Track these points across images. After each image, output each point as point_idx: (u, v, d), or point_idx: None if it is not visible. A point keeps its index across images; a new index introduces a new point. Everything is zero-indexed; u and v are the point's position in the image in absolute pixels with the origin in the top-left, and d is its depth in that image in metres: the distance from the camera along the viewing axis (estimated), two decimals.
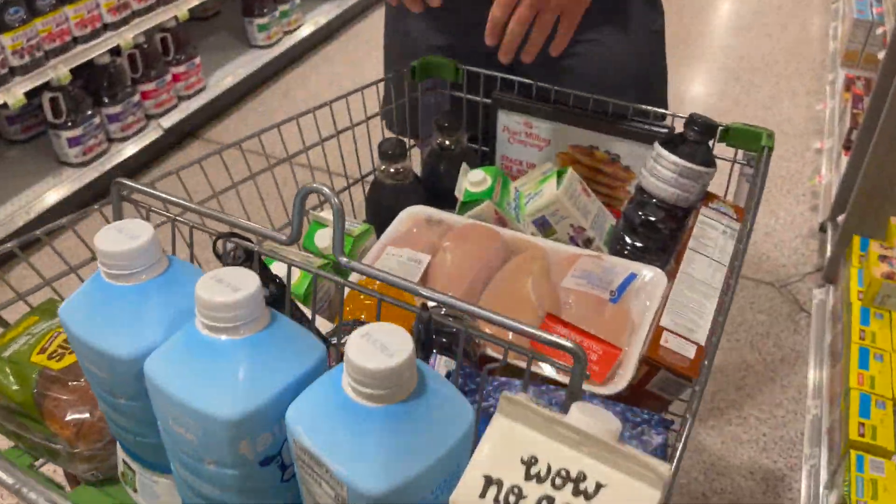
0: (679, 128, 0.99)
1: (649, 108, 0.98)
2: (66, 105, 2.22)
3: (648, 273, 0.88)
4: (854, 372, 1.39)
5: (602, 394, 0.77)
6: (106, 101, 2.37)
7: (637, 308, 0.85)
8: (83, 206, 2.59)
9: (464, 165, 1.02)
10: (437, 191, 1.07)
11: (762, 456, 1.61)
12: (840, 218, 1.83)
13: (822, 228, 2.07)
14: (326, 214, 0.97)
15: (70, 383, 0.57)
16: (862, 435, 1.27)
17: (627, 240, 0.97)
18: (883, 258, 1.55)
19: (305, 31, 3.28)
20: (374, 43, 3.57)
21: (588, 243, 1.00)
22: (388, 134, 1.14)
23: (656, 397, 0.83)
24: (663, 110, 0.97)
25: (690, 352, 0.78)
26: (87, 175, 2.35)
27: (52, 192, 2.26)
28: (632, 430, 0.62)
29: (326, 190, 0.55)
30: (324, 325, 0.87)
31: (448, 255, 0.91)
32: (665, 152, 0.91)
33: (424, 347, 0.60)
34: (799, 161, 2.61)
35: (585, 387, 0.78)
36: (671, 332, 0.80)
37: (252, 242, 0.62)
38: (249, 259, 0.63)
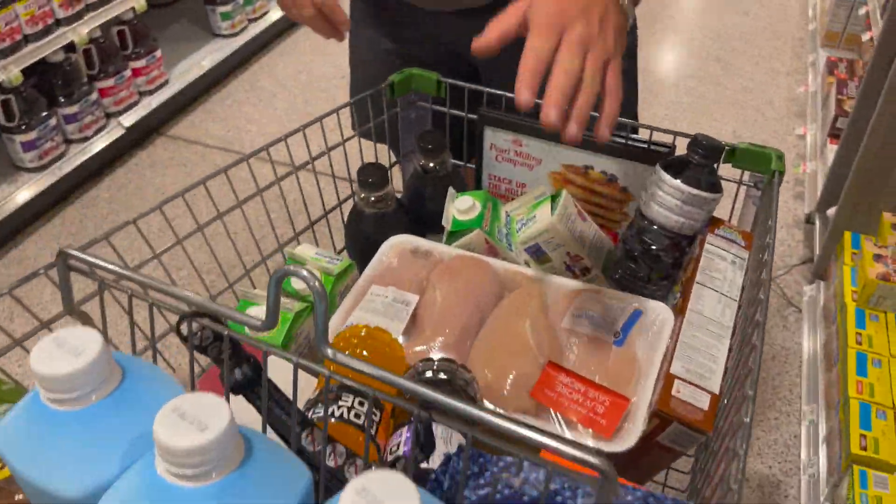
0: (678, 144, 0.93)
1: (648, 126, 0.91)
2: (19, 107, 2.10)
3: (654, 310, 0.82)
4: (852, 379, 1.35)
5: (611, 451, 0.71)
6: (62, 101, 2.24)
7: (643, 349, 0.79)
8: (41, 213, 2.48)
9: (450, 191, 0.95)
10: (422, 215, 1.00)
11: (756, 461, 1.58)
12: (830, 211, 1.79)
13: (809, 220, 2.03)
14: (303, 251, 0.89)
15: (16, 497, 0.50)
16: (864, 448, 1.24)
17: (628, 268, 0.91)
18: (878, 258, 1.51)
19: (271, 17, 3.15)
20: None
21: (585, 272, 0.93)
22: (366, 150, 1.06)
23: (667, 449, 0.77)
24: (665, 129, 0.90)
25: (704, 402, 0.73)
26: (46, 180, 2.23)
27: (9, 200, 2.14)
28: None
29: (304, 273, 0.47)
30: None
31: (438, 294, 0.84)
32: (668, 177, 0.84)
33: (424, 449, 0.54)
34: (781, 146, 2.57)
35: (592, 443, 0.72)
36: (683, 380, 0.74)
37: (221, 323, 0.55)
38: (219, 340, 0.55)
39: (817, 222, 1.94)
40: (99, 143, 2.38)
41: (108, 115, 2.45)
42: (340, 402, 0.66)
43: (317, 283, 0.47)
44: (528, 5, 0.68)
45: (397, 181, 1.07)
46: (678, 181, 0.84)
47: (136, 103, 2.52)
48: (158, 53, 2.57)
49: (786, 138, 2.61)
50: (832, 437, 1.37)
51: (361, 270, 0.95)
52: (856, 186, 1.64)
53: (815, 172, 2.15)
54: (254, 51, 3.14)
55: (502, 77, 0.93)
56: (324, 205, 1.02)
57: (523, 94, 0.63)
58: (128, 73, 2.45)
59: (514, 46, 0.86)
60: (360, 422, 0.65)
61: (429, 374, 0.72)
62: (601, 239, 0.96)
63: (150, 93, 2.59)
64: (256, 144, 2.63)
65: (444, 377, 0.72)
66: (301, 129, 0.93)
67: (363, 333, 0.75)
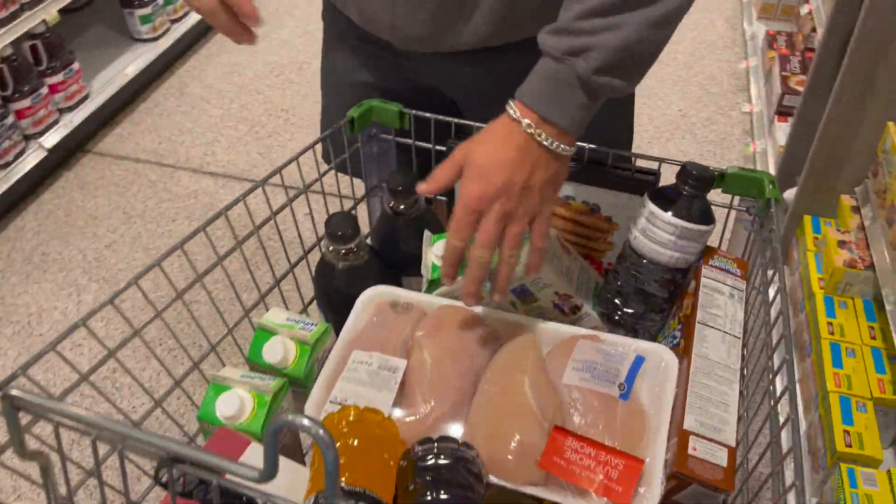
0: (662, 168, 0.88)
1: (630, 153, 0.86)
2: None
3: (656, 354, 0.77)
4: (829, 372, 1.35)
5: None
6: None
7: (650, 400, 0.75)
8: None
9: (426, 235, 0.88)
10: (394, 259, 0.93)
11: None
12: (787, 194, 1.79)
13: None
14: (272, 317, 0.81)
15: None
16: (849, 445, 1.24)
17: (619, 304, 0.87)
18: (842, 244, 1.52)
19: (194, 17, 2.98)
20: (274, 22, 3.30)
21: (575, 310, 0.88)
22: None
23: None
24: (650, 156, 0.85)
25: (722, 458, 0.69)
26: None
27: None
28: None
29: (305, 422, 0.40)
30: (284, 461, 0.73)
31: (426, 356, 0.77)
32: (660, 212, 0.79)
33: None
34: (727, 123, 2.57)
35: None
36: (698, 435, 0.70)
37: (208, 470, 0.47)
38: (204, 483, 0.48)
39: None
40: (20, 169, 2.21)
41: (27, 138, 2.27)
42: None
43: (322, 433, 0.40)
44: (463, 163, 0.73)
45: (362, 214, 1.00)
46: (670, 215, 0.79)
47: (56, 122, 2.35)
48: (76, 66, 2.39)
49: (730, 114, 2.62)
50: (812, 431, 1.37)
51: (336, 325, 0.88)
52: (814, 170, 1.64)
53: (764, 151, 2.15)
54: (179, 54, 2.98)
55: (482, 108, 0.87)
56: (288, 257, 0.94)
57: (445, 281, 0.76)
58: (44, 90, 2.27)
59: (493, 82, 0.80)
60: None
61: (430, 460, 0.66)
62: (588, 273, 0.92)
63: (71, 109, 2.41)
64: (192, 155, 2.49)
65: (447, 462, 0.66)
66: (261, 183, 0.84)
67: (352, 418, 0.68)
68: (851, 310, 1.47)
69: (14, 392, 0.48)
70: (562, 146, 0.72)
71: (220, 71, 2.94)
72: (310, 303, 0.96)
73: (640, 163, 0.89)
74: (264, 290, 0.87)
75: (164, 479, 0.49)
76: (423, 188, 0.75)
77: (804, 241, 1.63)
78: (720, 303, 0.80)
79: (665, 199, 0.81)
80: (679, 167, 0.80)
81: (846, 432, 1.25)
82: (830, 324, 1.44)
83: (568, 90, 0.70)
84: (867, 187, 1.54)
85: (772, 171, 2.05)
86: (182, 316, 1.68)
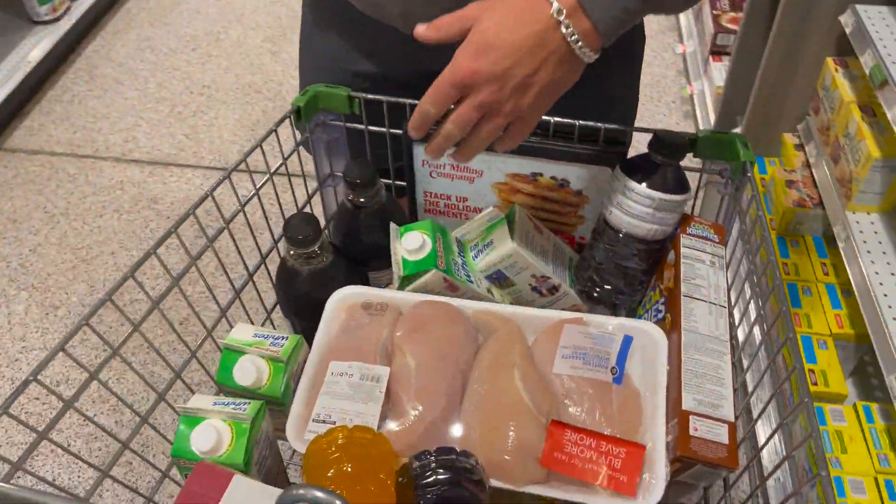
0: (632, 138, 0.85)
1: (598, 124, 0.82)
2: None
3: (644, 333, 0.75)
4: (781, 323, 1.37)
5: None
6: None
7: (643, 381, 0.73)
8: None
9: (393, 228, 0.83)
10: (358, 255, 0.88)
11: None
12: None
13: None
14: (238, 335, 0.75)
15: None
16: (815, 384, 1.27)
17: (598, 281, 0.84)
18: (790, 184, 1.53)
19: None
20: None
21: (553, 290, 0.85)
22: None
23: (689, 485, 0.73)
24: (615, 126, 0.82)
25: (723, 435, 0.68)
26: None
27: None
28: None
29: (320, 494, 0.36)
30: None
31: (410, 360, 0.73)
32: (636, 185, 0.76)
33: None
34: (661, 65, 2.57)
35: None
36: (697, 415, 0.69)
37: None
38: None
39: None
40: None
41: None
42: None
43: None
44: (469, 27, 0.64)
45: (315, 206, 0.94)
46: (645, 187, 0.76)
47: None
48: None
49: (663, 55, 2.61)
50: (776, 374, 1.40)
51: (305, 332, 0.83)
52: (756, 110, 1.65)
53: (702, 92, 2.16)
54: (83, 33, 2.77)
55: None
56: (245, 265, 0.87)
57: (412, 133, 0.70)
58: None
59: None
60: None
61: (429, 476, 0.63)
62: (562, 250, 0.89)
63: None
64: (111, 144, 2.34)
65: (448, 476, 0.63)
66: (209, 193, 0.77)
67: (341, 441, 0.64)
68: (803, 248, 1.49)
69: None
70: (585, 48, 0.63)
71: (131, 48, 2.76)
72: (273, 309, 0.90)
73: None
74: (223, 304, 0.80)
75: None
76: (421, 31, 0.66)
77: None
78: (702, 272, 0.78)
79: (638, 170, 0.78)
80: (650, 135, 0.77)
81: (811, 371, 1.28)
82: (785, 264, 1.46)
83: None
84: (809, 125, 1.56)
85: (710, 113, 2.05)
86: (138, 346, 1.59)
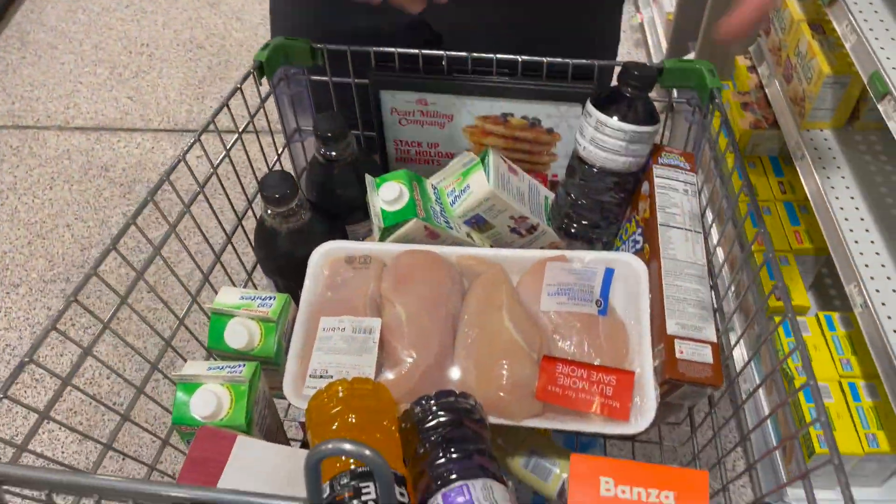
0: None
1: (566, 60, 0.82)
2: None
3: (624, 263, 0.77)
4: (749, 232, 1.41)
5: (633, 433, 0.69)
6: None
7: (627, 310, 0.75)
8: None
9: (369, 180, 0.83)
10: (334, 210, 0.88)
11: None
12: None
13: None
14: (224, 298, 0.75)
15: None
16: (779, 299, 1.31)
17: (574, 218, 0.86)
18: (745, 106, 1.56)
19: None
20: None
21: (532, 230, 0.87)
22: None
23: (677, 405, 0.76)
24: (582, 61, 0.82)
25: (707, 355, 0.71)
26: None
27: None
28: None
29: (348, 447, 0.37)
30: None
31: (400, 311, 0.74)
32: (608, 119, 0.77)
33: None
34: None
35: (613, 429, 0.69)
36: (682, 338, 0.71)
37: None
38: None
39: None
40: None
41: None
42: (364, 495, 0.57)
43: (370, 454, 0.37)
44: None
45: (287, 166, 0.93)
46: (617, 120, 0.77)
47: None
48: None
49: None
50: (741, 291, 1.45)
51: (289, 289, 0.83)
52: (708, 35, 1.66)
53: (652, 20, 2.16)
54: None
55: (472, 41, 0.80)
56: (223, 228, 0.86)
57: None
58: None
59: (481, 6, 0.72)
60: None
61: (431, 420, 0.65)
62: (537, 189, 0.90)
63: None
64: (52, 112, 2.25)
65: (450, 417, 0.65)
66: (181, 157, 0.75)
67: (342, 394, 0.65)
68: (760, 169, 1.53)
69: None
70: None
71: (62, 10, 2.63)
72: (253, 269, 0.89)
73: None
74: (205, 269, 0.80)
75: None
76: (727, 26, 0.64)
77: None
78: (676, 200, 0.80)
79: (609, 104, 0.78)
80: (619, 68, 0.78)
81: (774, 286, 1.33)
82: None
83: None
84: (760, 46, 1.58)
85: (662, 40, 2.06)
86: (121, 320, 1.57)
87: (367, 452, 0.37)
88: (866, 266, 1.17)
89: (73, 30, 2.54)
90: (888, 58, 1.12)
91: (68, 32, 2.53)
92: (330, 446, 0.37)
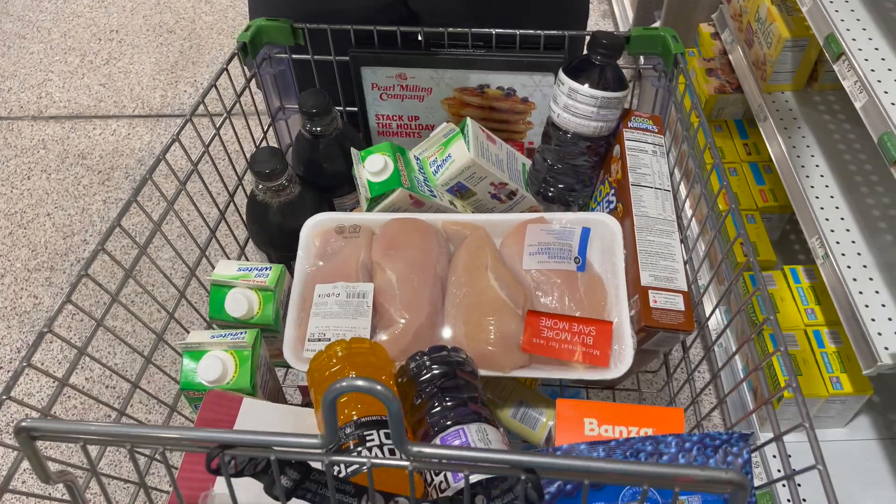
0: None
1: (538, 31, 0.86)
2: None
3: (600, 223, 0.82)
4: (720, 198, 1.47)
5: (613, 377, 0.74)
6: None
7: (603, 266, 0.80)
8: None
9: (354, 153, 0.86)
10: (322, 183, 0.91)
11: None
12: None
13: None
14: (223, 271, 0.79)
15: None
16: (746, 255, 1.38)
17: (551, 181, 0.90)
18: (710, 72, 1.61)
19: None
20: None
21: (511, 195, 0.91)
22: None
23: (652, 352, 0.81)
24: (553, 31, 0.86)
25: (679, 303, 0.76)
26: None
27: None
28: (716, 455, 0.60)
29: (361, 383, 0.41)
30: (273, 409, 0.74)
31: (391, 275, 0.78)
32: (579, 86, 0.81)
33: None
34: None
35: (595, 375, 0.74)
36: (656, 288, 0.77)
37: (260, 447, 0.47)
38: (254, 460, 0.49)
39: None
40: None
41: None
42: (368, 442, 0.62)
43: (381, 389, 0.42)
44: None
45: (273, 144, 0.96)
46: (588, 87, 0.82)
47: None
48: None
49: None
50: (712, 249, 1.51)
51: (282, 261, 0.87)
52: (672, 4, 1.70)
53: None
54: None
55: (447, 18, 0.84)
56: (216, 203, 0.89)
57: None
58: None
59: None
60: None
61: (425, 373, 0.69)
62: (513, 156, 0.94)
63: None
64: (24, 102, 2.24)
65: (443, 369, 0.70)
66: (175, 137, 0.78)
67: (341, 353, 0.69)
68: (727, 132, 1.59)
69: (30, 424, 0.45)
70: None
71: None
72: (245, 243, 0.93)
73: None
74: (201, 245, 0.83)
75: (214, 467, 0.49)
76: None
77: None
78: (646, 161, 0.85)
79: (579, 72, 0.83)
80: (588, 38, 0.82)
81: (741, 243, 1.39)
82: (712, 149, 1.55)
83: None
84: (723, 13, 1.62)
85: (628, 10, 2.10)
86: (137, 299, 1.59)
87: (379, 387, 0.41)
88: (827, 220, 1.23)
89: (40, 18, 2.52)
90: (842, 20, 1.17)
91: (35, 21, 2.51)
92: (344, 384, 0.42)
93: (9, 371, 1.62)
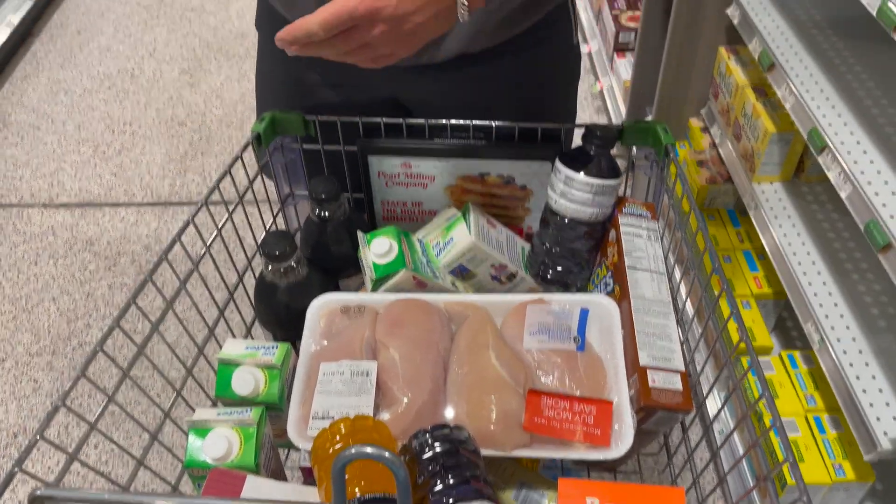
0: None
1: (535, 124, 0.91)
2: None
3: (598, 304, 0.85)
4: (713, 279, 1.51)
5: (614, 457, 0.75)
6: None
7: (602, 346, 0.82)
8: None
9: (360, 236, 0.90)
10: (328, 266, 0.94)
11: None
12: None
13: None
14: (230, 349, 0.81)
15: None
16: (740, 334, 1.40)
17: (549, 265, 0.93)
18: (701, 164, 1.68)
19: None
20: (87, 31, 3.05)
21: (511, 277, 0.94)
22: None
23: (652, 433, 0.82)
24: (550, 124, 0.91)
25: (677, 382, 0.78)
26: None
27: None
28: None
29: (369, 450, 0.43)
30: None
31: (394, 354, 0.80)
32: (576, 175, 0.86)
33: None
34: None
35: (596, 455, 0.75)
36: (654, 368, 0.78)
37: None
38: None
39: None
40: None
41: None
42: None
43: (389, 456, 0.43)
44: None
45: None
46: (583, 175, 0.86)
47: None
48: None
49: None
50: (708, 334, 1.53)
51: (287, 340, 0.89)
52: (663, 100, 1.79)
53: (611, 87, 2.30)
54: None
55: (435, 116, 0.90)
56: (226, 285, 0.92)
57: (283, 39, 0.69)
58: None
59: (447, 88, 0.82)
60: None
61: (428, 451, 0.70)
62: (513, 240, 0.97)
63: None
64: (35, 190, 2.31)
65: (446, 447, 0.70)
66: (190, 219, 0.82)
67: (344, 430, 0.70)
68: (719, 220, 1.64)
69: (45, 492, 0.46)
70: (464, 9, 0.70)
71: (43, 91, 2.71)
72: (252, 324, 0.95)
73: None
74: (210, 324, 0.85)
75: None
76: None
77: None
78: (641, 246, 0.88)
79: (576, 161, 0.87)
80: (583, 129, 0.87)
81: (737, 328, 1.41)
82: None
83: None
84: (711, 108, 1.71)
85: (621, 105, 2.20)
86: (142, 373, 1.60)
87: (387, 454, 0.43)
88: (821, 305, 1.26)
89: (55, 111, 2.62)
90: (824, 115, 1.23)
91: (50, 113, 2.61)
92: (354, 451, 0.43)
93: (3, 456, 1.61)
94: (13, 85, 2.75)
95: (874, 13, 1.03)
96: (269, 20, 1.01)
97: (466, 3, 0.70)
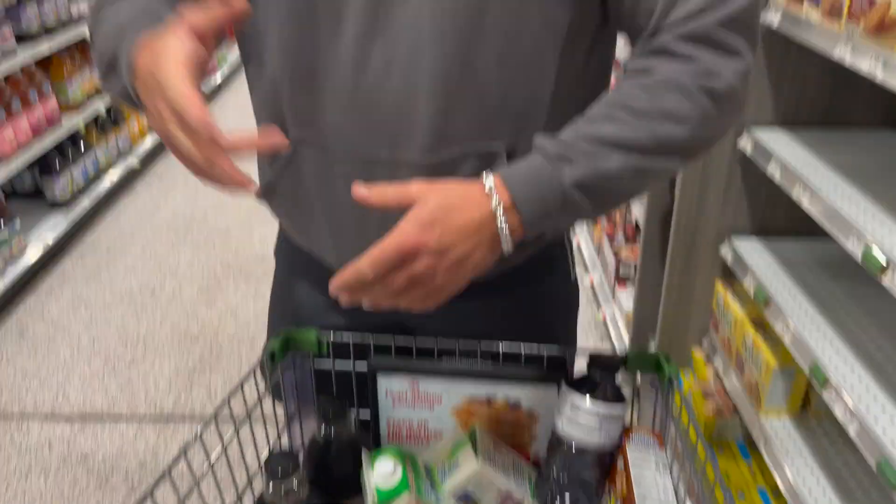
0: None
1: (542, 352, 0.94)
2: None
3: None
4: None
5: None
6: None
7: None
8: None
9: (365, 458, 0.89)
10: (330, 486, 0.92)
11: None
12: None
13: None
14: None
15: None
16: None
17: (557, 493, 0.91)
18: (706, 395, 1.68)
19: (32, 255, 2.87)
20: (116, 250, 3.23)
21: None
22: None
23: None
24: (556, 353, 0.95)
25: None
26: None
27: None
28: None
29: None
30: None
31: None
32: (584, 403, 0.87)
33: None
34: None
35: None
36: None
37: None
38: None
39: None
40: None
41: None
42: None
43: None
44: (413, 201, 0.71)
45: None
46: (589, 402, 0.87)
47: None
48: None
49: None
50: None
51: None
52: (665, 330, 1.84)
53: (613, 316, 2.37)
54: (15, 294, 2.82)
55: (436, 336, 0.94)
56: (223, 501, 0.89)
57: (338, 290, 0.72)
58: None
59: (449, 313, 0.87)
60: None
61: None
62: (520, 465, 0.96)
63: None
64: (40, 401, 2.30)
65: None
66: (198, 435, 0.82)
67: None
68: (729, 453, 1.61)
69: None
70: (509, 240, 0.73)
71: (64, 305, 2.81)
72: None
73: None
74: None
75: None
76: (362, 192, 0.71)
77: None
78: (650, 476, 0.87)
79: (581, 387, 0.89)
80: (587, 357, 0.90)
81: None
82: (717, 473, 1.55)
83: (546, 187, 0.72)
84: (712, 340, 1.75)
85: (623, 334, 2.25)
86: None
87: None
88: None
89: (72, 324, 2.69)
90: (823, 351, 1.26)
91: (68, 326, 2.68)
92: None
93: None
94: (37, 298, 2.85)
95: (859, 259, 1.10)
96: (285, 249, 1.08)
97: (509, 233, 0.74)
